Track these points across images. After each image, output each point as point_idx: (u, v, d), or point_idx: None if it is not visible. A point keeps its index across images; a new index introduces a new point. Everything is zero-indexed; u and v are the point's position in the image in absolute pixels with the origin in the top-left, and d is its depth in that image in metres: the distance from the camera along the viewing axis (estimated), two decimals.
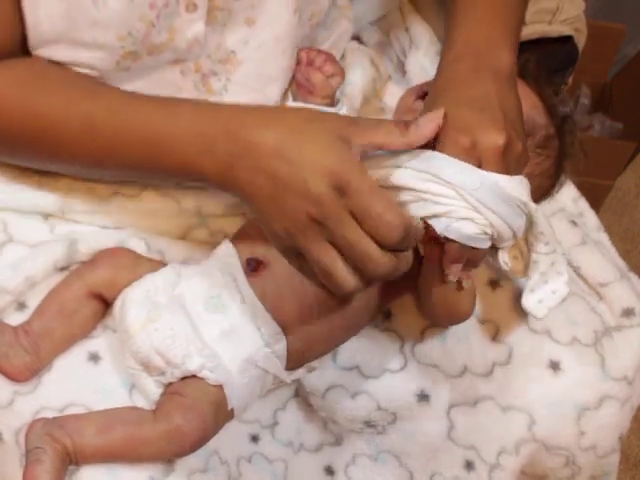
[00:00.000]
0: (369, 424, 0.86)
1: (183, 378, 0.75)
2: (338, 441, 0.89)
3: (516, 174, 0.68)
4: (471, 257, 0.69)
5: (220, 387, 0.75)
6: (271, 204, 0.66)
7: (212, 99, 0.84)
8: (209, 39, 0.80)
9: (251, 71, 0.84)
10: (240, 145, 0.66)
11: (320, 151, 0.64)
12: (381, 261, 0.64)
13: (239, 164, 0.66)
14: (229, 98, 0.84)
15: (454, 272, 0.70)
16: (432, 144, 0.67)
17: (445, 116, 0.67)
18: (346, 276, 0.65)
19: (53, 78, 0.75)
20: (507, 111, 0.69)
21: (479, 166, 0.66)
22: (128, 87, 0.77)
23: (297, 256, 0.67)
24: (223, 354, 0.75)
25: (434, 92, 0.73)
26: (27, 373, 0.77)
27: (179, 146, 0.69)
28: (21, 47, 0.74)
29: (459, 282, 0.73)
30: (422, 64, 1.01)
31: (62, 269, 0.82)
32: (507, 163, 0.67)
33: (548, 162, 0.87)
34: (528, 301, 0.76)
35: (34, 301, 0.80)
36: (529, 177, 0.70)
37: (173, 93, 0.80)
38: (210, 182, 0.70)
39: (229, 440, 0.85)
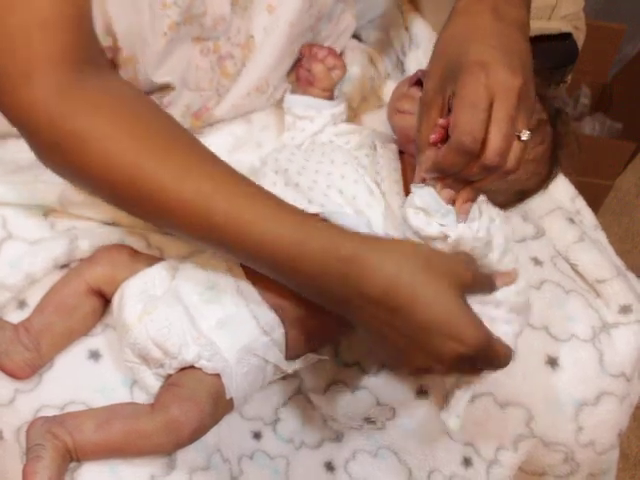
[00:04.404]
0: (369, 420, 0.86)
1: (181, 369, 0.75)
2: (338, 437, 0.90)
3: (526, 124, 0.70)
4: None
5: (218, 376, 0.75)
6: (392, 347, 0.68)
7: (225, 82, 0.85)
8: (232, 22, 0.81)
9: (264, 57, 0.85)
10: (360, 294, 0.66)
11: (450, 315, 0.66)
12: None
13: (366, 310, 0.67)
14: (239, 82, 0.85)
15: None
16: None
17: (469, 54, 0.69)
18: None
19: (161, 133, 0.70)
20: (524, 60, 0.70)
21: (491, 103, 0.67)
22: (167, 61, 0.78)
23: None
24: (220, 343, 0.75)
25: (450, 32, 0.74)
26: (28, 370, 0.77)
27: (302, 274, 0.68)
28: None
29: None
30: (421, 63, 1.01)
31: (62, 266, 0.82)
32: (520, 108, 0.68)
33: (542, 147, 0.87)
34: (445, 418, 0.78)
35: (34, 299, 0.80)
36: (524, 162, 0.73)
37: (189, 71, 0.81)
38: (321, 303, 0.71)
39: (231, 437, 0.85)
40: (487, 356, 0.67)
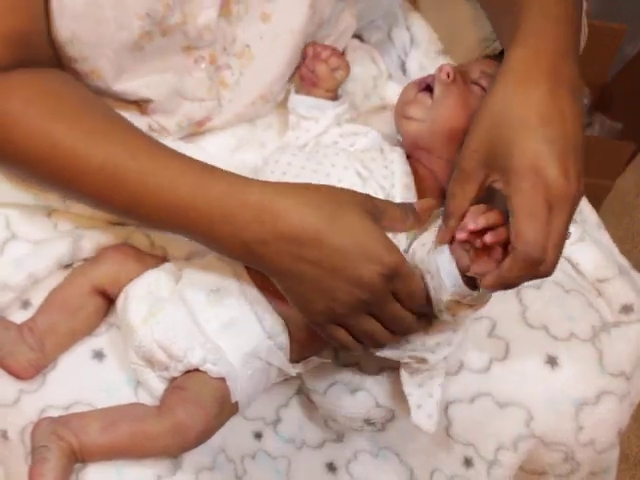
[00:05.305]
0: (368, 422, 0.86)
1: (186, 372, 0.76)
2: (339, 437, 0.90)
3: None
4: None
5: (223, 380, 0.75)
6: (313, 286, 0.70)
7: (224, 92, 0.85)
8: (226, 32, 0.81)
9: (263, 66, 0.85)
10: (275, 233, 0.69)
11: (364, 238, 0.69)
12: (414, 324, 0.75)
13: (273, 250, 0.69)
14: (240, 92, 0.85)
15: None
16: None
17: (523, 150, 0.68)
18: (385, 337, 0.74)
19: (74, 104, 0.74)
20: (577, 149, 0.69)
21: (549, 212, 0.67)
22: (141, 69, 0.79)
23: (330, 326, 0.73)
24: (225, 347, 0.76)
25: (501, 97, 0.71)
26: (32, 370, 0.78)
27: (204, 221, 0.70)
28: (46, 29, 0.75)
29: None
30: (422, 63, 1.01)
31: (66, 266, 0.83)
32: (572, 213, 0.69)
33: None
34: (417, 417, 0.79)
35: (38, 299, 0.81)
36: None
37: (182, 80, 0.82)
38: (232, 257, 0.73)
39: (234, 438, 0.86)
40: (405, 279, 0.70)
